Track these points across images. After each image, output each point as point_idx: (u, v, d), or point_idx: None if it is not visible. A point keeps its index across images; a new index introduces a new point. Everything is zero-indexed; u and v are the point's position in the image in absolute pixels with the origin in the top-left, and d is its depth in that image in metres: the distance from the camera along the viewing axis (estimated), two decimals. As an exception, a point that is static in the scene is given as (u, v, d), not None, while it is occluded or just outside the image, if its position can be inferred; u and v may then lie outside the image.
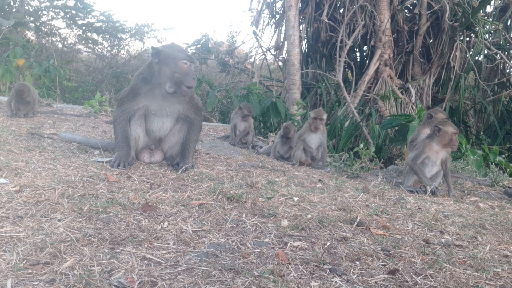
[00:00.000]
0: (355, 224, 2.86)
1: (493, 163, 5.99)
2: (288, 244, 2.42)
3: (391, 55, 10.46)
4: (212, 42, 14.93)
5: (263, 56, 12.10)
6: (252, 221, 2.74)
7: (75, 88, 11.77)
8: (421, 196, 4.18)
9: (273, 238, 2.51)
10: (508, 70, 11.74)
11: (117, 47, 16.02)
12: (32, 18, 14.00)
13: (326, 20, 10.65)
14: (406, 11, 11.54)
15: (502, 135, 9.98)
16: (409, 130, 6.58)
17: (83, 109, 7.65)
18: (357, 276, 2.11)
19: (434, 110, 5.24)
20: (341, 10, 11.42)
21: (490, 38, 11.03)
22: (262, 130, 9.34)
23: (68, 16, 14.83)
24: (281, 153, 5.88)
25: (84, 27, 15.21)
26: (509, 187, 4.78)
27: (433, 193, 4.27)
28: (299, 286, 1.96)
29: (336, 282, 2.02)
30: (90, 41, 15.48)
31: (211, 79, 11.61)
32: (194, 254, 2.17)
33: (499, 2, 11.07)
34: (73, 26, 15.20)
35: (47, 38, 14.51)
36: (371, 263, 2.28)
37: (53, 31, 15.05)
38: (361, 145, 6.44)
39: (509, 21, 11.22)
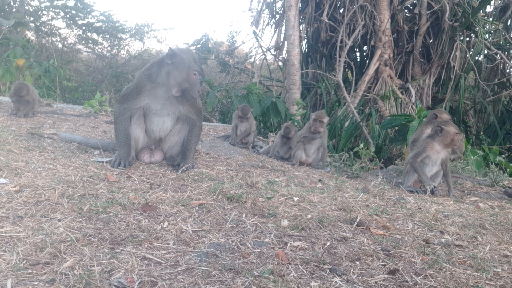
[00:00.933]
0: (355, 224, 2.87)
1: (493, 163, 5.99)
2: (288, 244, 2.42)
3: (391, 55, 10.46)
4: (212, 42, 14.91)
5: (263, 56, 12.09)
6: (252, 221, 2.74)
7: (75, 88, 11.76)
8: (421, 196, 4.18)
9: (273, 238, 2.51)
10: (508, 70, 11.72)
11: (117, 47, 16.02)
12: (32, 18, 13.99)
13: (326, 20, 10.64)
14: (406, 11, 11.53)
15: (502, 135, 9.98)
16: (409, 130, 6.59)
17: (83, 109, 7.65)
18: (357, 276, 2.11)
19: (439, 111, 5.25)
20: (341, 10, 11.40)
21: (490, 38, 11.02)
22: (262, 130, 9.34)
23: (68, 16, 14.82)
24: (281, 153, 5.88)
25: (84, 27, 15.20)
26: (509, 187, 4.78)
27: (432, 193, 4.27)
28: (299, 286, 1.96)
29: (336, 282, 2.02)
30: (90, 41, 15.47)
31: (211, 79, 11.61)
32: (194, 254, 2.17)
33: (499, 2, 11.06)
34: (73, 26, 15.19)
35: (47, 38, 14.50)
36: (371, 263, 2.28)
37: (53, 31, 15.03)
38: (361, 145, 6.44)
39: (509, 21, 11.21)
